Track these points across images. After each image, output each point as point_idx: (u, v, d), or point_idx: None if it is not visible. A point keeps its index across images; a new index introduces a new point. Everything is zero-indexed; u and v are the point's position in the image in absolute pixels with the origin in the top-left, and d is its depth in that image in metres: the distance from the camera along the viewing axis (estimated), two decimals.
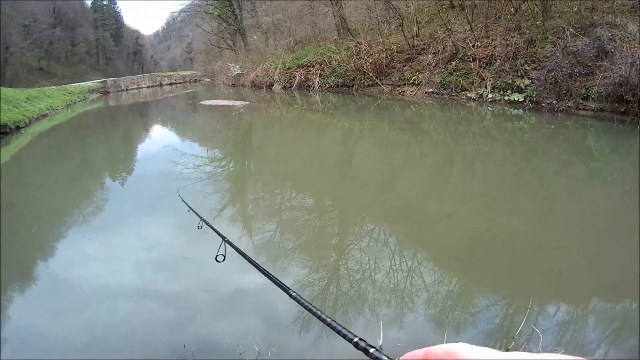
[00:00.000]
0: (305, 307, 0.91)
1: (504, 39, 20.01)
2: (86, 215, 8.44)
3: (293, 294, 1.01)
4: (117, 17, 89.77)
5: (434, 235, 6.66)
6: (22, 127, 17.69)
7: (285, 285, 1.09)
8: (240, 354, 3.80)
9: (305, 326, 4.24)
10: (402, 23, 24.55)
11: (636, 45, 14.73)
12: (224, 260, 1.77)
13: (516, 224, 6.81)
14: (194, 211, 3.02)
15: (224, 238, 1.84)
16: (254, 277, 4.79)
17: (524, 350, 3.61)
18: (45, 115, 21.81)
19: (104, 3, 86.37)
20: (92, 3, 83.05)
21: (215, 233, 2.55)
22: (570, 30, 16.64)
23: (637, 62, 13.52)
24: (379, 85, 25.11)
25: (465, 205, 7.89)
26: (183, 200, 3.94)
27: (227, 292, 5.04)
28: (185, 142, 17.44)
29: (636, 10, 16.68)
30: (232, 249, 1.82)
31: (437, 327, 4.29)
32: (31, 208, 8.81)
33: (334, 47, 29.05)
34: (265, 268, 1.31)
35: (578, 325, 4.35)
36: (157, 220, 7.68)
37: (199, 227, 2.67)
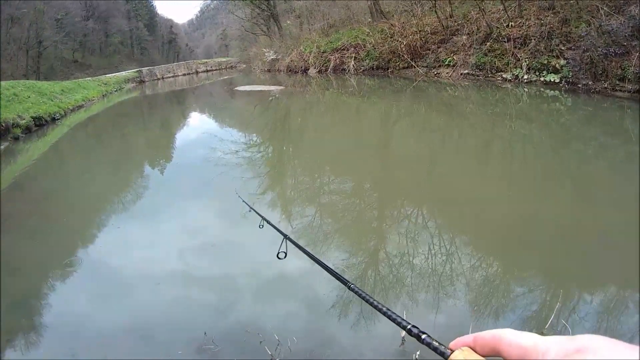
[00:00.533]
0: (363, 298, 1.02)
1: (538, 18, 19.52)
2: (126, 203, 8.71)
3: (352, 285, 1.12)
4: (149, 7, 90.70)
5: (471, 219, 6.68)
6: (57, 119, 18.32)
7: (344, 278, 1.21)
8: (261, 342, 3.87)
9: (344, 311, 4.35)
10: (435, 4, 24.20)
11: None
12: (285, 257, 1.86)
13: (553, 208, 6.77)
14: (255, 211, 3.08)
15: (285, 236, 1.91)
16: (296, 262, 4.93)
17: None
18: (81, 107, 22.47)
19: None
20: None
21: (265, 226, 2.68)
22: (605, 8, 16.11)
23: None
24: (414, 67, 24.91)
25: (502, 189, 7.91)
26: (243, 201, 4.01)
27: (269, 277, 5.15)
28: (223, 128, 17.73)
29: None
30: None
31: (471, 314, 4.33)
32: (69, 197, 9.13)
33: (367, 30, 28.91)
34: (323, 261, 1.42)
35: (613, 315, 4.34)
36: (198, 206, 7.89)
37: (260, 227, 2.76)
